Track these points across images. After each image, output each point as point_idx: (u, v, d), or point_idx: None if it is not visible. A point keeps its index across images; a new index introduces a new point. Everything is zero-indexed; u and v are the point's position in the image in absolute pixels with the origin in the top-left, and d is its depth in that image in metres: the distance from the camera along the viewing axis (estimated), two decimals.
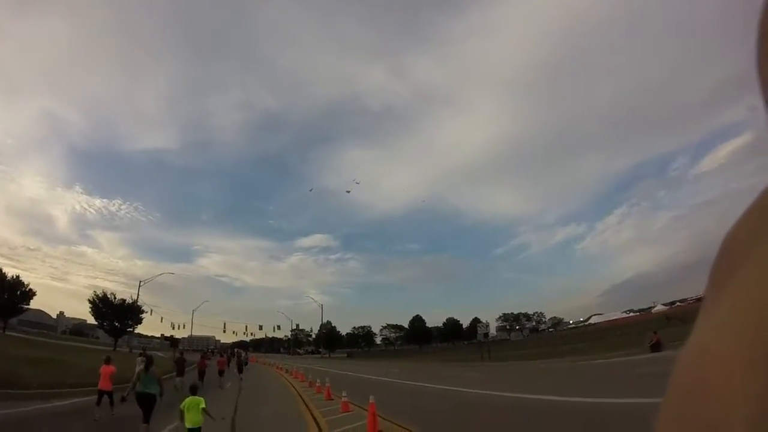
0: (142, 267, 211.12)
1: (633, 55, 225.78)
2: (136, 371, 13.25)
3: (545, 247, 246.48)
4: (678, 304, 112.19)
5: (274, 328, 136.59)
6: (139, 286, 70.19)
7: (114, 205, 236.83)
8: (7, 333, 68.16)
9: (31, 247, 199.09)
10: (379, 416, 12.28)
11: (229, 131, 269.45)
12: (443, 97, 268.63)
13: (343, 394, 16.11)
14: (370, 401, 12.20)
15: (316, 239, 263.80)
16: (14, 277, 72.97)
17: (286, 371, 42.95)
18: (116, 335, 76.60)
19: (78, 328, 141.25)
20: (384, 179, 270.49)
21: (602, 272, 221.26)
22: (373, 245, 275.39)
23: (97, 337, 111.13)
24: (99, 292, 76.64)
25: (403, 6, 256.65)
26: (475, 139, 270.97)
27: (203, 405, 10.24)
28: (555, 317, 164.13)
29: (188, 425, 10.06)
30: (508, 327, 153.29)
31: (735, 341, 0.27)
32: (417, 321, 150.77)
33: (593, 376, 22.90)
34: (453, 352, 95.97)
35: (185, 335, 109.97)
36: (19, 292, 72.57)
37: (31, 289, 74.24)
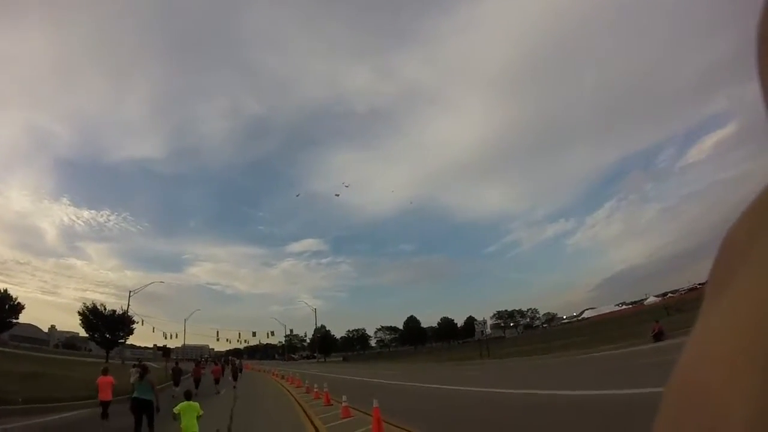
0: (132, 278, 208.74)
1: (617, 48, 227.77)
2: (132, 382, 13.30)
3: (536, 243, 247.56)
4: (670, 295, 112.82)
5: (267, 334, 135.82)
6: (129, 296, 68.77)
7: (102, 216, 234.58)
8: None
9: (21, 261, 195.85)
10: (385, 421, 11.66)
11: (215, 138, 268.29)
12: (430, 96, 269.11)
13: (343, 399, 15.48)
14: (374, 405, 11.59)
15: (306, 244, 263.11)
16: (2, 291, 71.70)
17: (282, 377, 42.16)
18: (108, 347, 75.31)
19: (70, 342, 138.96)
20: (373, 181, 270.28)
21: (593, 266, 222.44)
22: (364, 248, 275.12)
23: (90, 350, 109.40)
24: (89, 304, 75.57)
25: (387, 6, 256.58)
26: (462, 138, 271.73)
27: (199, 412, 10.24)
28: (549, 313, 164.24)
29: (184, 431, 9.97)
30: (502, 324, 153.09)
31: (734, 341, 0.27)
32: (411, 322, 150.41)
33: (606, 368, 22.32)
34: (450, 352, 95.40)
35: (178, 345, 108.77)
36: (7, 306, 71.39)
37: (19, 303, 73.38)
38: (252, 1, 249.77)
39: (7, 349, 70.22)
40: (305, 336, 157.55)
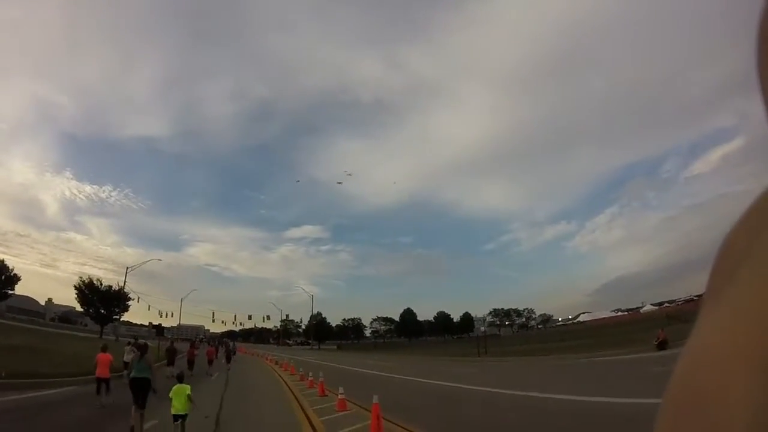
0: (131, 255, 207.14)
1: (629, 54, 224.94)
2: (130, 359, 13.72)
3: (535, 244, 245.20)
4: (666, 304, 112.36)
5: (263, 318, 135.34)
6: (126, 272, 68.44)
7: (104, 191, 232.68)
8: None
9: (21, 233, 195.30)
10: (384, 419, 10.97)
11: (220, 119, 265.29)
12: (436, 90, 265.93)
13: (340, 391, 14.79)
14: (375, 401, 10.89)
15: (306, 230, 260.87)
16: None
17: (276, 363, 41.63)
18: (102, 322, 75.02)
19: (66, 316, 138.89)
20: (375, 171, 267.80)
21: (591, 271, 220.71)
22: (363, 237, 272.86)
23: (86, 325, 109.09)
24: (86, 279, 75.12)
25: None
26: (467, 134, 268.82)
27: (188, 392, 10.49)
28: (544, 314, 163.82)
29: (174, 412, 10.30)
30: (498, 322, 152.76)
31: (734, 343, 0.27)
32: (408, 314, 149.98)
33: (617, 374, 21.65)
34: (445, 346, 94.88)
35: (174, 324, 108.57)
36: (3, 277, 70.89)
37: (15, 274, 72.73)
38: None
39: (1, 320, 70.05)
40: (301, 322, 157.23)
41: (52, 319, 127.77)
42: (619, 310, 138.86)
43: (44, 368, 21.73)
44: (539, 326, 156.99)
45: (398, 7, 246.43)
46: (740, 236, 0.33)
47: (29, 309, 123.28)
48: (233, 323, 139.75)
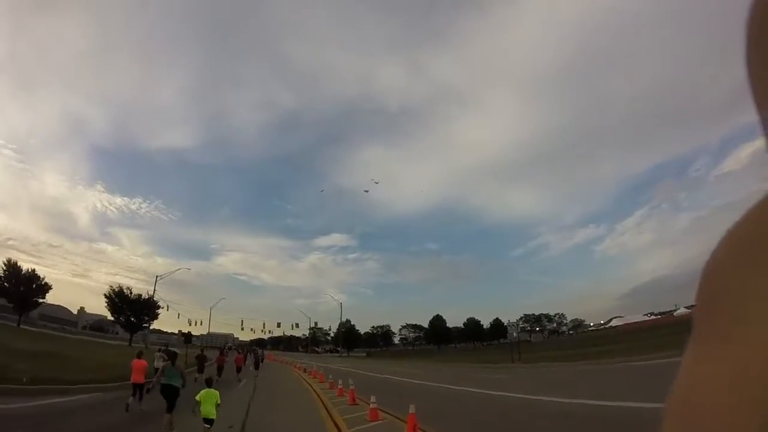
0: (162, 264, 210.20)
1: (655, 53, 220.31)
2: (161, 366, 14.02)
3: (564, 248, 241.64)
4: None
5: (292, 326, 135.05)
6: (156, 280, 68.45)
7: (135, 203, 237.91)
8: (22, 327, 67.45)
9: (54, 244, 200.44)
10: (421, 429, 9.92)
11: (247, 129, 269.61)
12: (461, 97, 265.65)
13: (372, 400, 13.75)
14: (411, 411, 9.87)
15: (334, 239, 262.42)
16: (30, 270, 72.13)
17: (305, 370, 40.81)
18: (132, 330, 75.45)
19: (98, 324, 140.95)
20: (401, 179, 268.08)
21: (621, 274, 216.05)
22: (391, 245, 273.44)
23: (117, 333, 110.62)
24: (116, 287, 75.64)
25: (421, 3, 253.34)
26: (493, 139, 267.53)
27: (218, 400, 10.67)
28: (576, 319, 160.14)
29: (203, 416, 10.45)
30: (529, 328, 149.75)
31: (733, 402, 0.25)
32: (437, 320, 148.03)
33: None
34: (476, 353, 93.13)
35: (203, 332, 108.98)
36: (34, 286, 71.74)
37: (46, 283, 73.46)
38: None
39: (32, 328, 71.07)
40: (329, 329, 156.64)
41: (84, 327, 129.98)
42: (651, 313, 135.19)
43: (68, 375, 21.32)
44: (570, 332, 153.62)
45: (421, 14, 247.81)
46: (730, 265, 0.31)
47: (61, 317, 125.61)
48: (262, 331, 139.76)
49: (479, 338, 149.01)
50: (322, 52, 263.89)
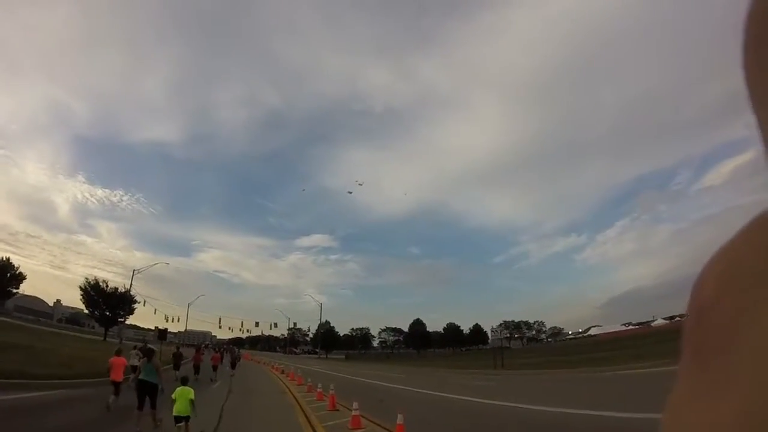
0: (141, 259, 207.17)
1: (639, 66, 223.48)
2: (138, 363, 14.45)
3: (544, 256, 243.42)
4: (678, 318, 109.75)
5: (271, 325, 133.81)
6: (133, 274, 66.99)
7: (116, 195, 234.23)
8: None
9: (32, 234, 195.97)
10: None
11: (231, 126, 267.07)
12: (447, 101, 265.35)
13: (354, 406, 12.95)
14: (399, 422, 9.12)
15: (316, 239, 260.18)
16: (4, 259, 70.27)
17: (282, 372, 39.80)
18: (107, 324, 73.67)
19: (74, 317, 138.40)
20: (385, 181, 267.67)
21: (601, 284, 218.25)
22: (372, 247, 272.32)
23: (93, 327, 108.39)
24: (92, 280, 73.86)
25: (410, 6, 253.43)
26: (477, 145, 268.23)
27: (191, 396, 10.60)
28: (555, 327, 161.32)
29: (175, 413, 10.38)
30: (508, 335, 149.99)
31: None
32: (417, 325, 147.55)
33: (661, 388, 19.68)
34: (456, 358, 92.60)
35: (180, 329, 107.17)
36: (8, 275, 69.90)
37: (21, 273, 71.75)
38: None
39: (5, 318, 69.00)
40: (309, 330, 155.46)
41: (59, 320, 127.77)
42: (629, 323, 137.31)
43: (35, 369, 20.15)
44: (549, 339, 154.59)
45: (409, 17, 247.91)
46: (721, 287, 0.29)
47: (37, 309, 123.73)
48: (240, 330, 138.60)
49: (459, 343, 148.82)
50: (310, 51, 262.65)
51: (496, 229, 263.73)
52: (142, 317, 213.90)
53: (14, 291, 72.98)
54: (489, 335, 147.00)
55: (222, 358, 42.47)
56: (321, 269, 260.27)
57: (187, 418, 10.46)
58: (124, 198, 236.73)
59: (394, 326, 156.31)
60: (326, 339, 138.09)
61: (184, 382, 11.47)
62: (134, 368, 18.13)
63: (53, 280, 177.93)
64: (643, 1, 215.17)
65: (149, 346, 17.13)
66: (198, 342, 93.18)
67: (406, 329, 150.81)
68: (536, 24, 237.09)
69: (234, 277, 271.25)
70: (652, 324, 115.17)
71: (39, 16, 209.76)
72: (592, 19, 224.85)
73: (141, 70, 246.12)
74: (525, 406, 16.89)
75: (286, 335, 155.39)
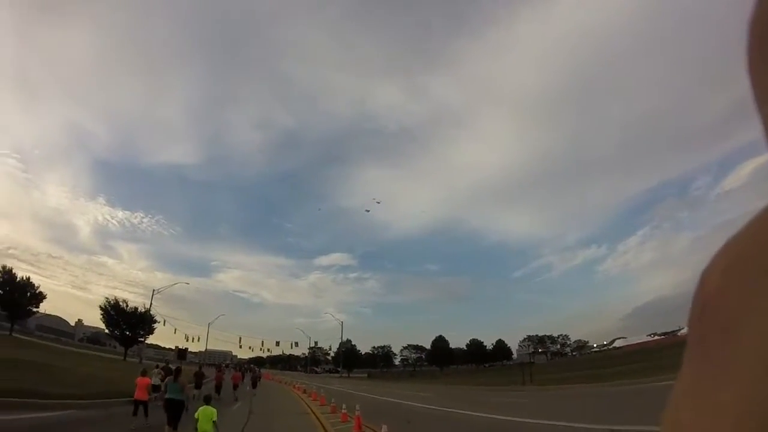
0: (161, 279, 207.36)
1: (652, 72, 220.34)
2: (162, 383, 15.02)
3: (565, 268, 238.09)
4: None
5: (291, 345, 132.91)
6: (153, 294, 66.80)
7: (136, 217, 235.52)
8: (15, 335, 65.76)
9: (54, 255, 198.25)
10: None
11: (248, 147, 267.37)
12: (459, 118, 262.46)
13: (383, 430, 11.81)
14: None
15: (334, 258, 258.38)
16: (24, 278, 70.58)
17: (304, 391, 38.63)
18: (126, 344, 73.50)
19: (95, 337, 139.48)
20: (401, 199, 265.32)
21: (623, 295, 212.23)
22: (391, 265, 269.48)
23: (115, 347, 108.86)
24: (111, 300, 73.87)
25: (419, 26, 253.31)
26: (492, 161, 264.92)
27: (214, 417, 10.79)
28: (580, 340, 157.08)
29: None
30: (533, 350, 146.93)
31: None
32: (439, 341, 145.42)
33: None
34: (480, 375, 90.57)
35: (201, 348, 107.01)
36: (29, 294, 70.16)
37: (41, 292, 71.95)
38: (285, 13, 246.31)
39: (26, 337, 69.09)
40: (329, 349, 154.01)
41: (81, 340, 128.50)
42: (654, 334, 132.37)
43: (49, 387, 19.29)
44: (573, 353, 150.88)
45: (419, 36, 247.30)
46: (726, 279, 0.31)
47: (59, 329, 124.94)
48: (260, 349, 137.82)
49: (482, 360, 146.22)
50: (321, 72, 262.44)
51: (514, 244, 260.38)
52: (163, 337, 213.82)
53: (34, 310, 73.10)
54: (512, 350, 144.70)
55: (243, 377, 42.84)
56: (340, 287, 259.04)
57: None
58: (144, 220, 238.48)
59: (414, 343, 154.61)
60: (348, 358, 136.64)
61: (207, 401, 11.68)
62: (156, 387, 18.56)
63: (75, 300, 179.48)
64: (650, 13, 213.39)
65: (170, 365, 18.15)
66: (218, 361, 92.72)
67: (426, 346, 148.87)
68: (546, 40, 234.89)
69: (254, 296, 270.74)
70: (678, 333, 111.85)
71: (58, 41, 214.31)
72: (600, 32, 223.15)
73: (159, 95, 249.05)
74: (564, 423, 15.63)
75: (306, 354, 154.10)
